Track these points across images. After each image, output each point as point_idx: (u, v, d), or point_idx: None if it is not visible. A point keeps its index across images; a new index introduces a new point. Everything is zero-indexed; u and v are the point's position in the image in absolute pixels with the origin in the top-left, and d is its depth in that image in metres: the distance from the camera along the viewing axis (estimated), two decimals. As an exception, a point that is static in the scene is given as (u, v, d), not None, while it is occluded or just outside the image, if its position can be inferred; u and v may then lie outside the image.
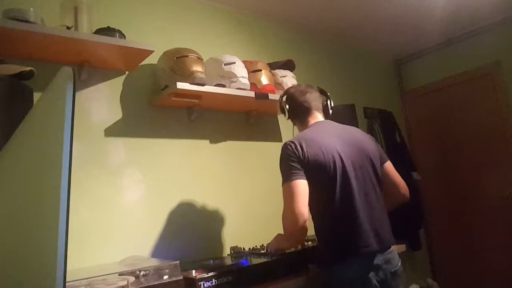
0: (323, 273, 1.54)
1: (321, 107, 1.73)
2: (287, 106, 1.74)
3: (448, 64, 3.39)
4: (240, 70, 2.00)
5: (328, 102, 1.76)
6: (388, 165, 1.71)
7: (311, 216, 1.50)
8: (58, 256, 0.70)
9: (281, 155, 1.54)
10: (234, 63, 2.00)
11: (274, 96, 2.13)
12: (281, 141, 2.50)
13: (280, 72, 2.30)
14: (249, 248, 1.95)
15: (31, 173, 0.88)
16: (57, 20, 1.61)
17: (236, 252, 1.90)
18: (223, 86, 1.97)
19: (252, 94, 2.03)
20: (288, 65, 2.38)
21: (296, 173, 1.46)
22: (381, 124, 3.16)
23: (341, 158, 1.50)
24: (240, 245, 1.98)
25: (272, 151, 2.43)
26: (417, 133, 3.59)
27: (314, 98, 1.72)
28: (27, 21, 1.43)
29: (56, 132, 0.80)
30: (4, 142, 1.04)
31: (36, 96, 1.41)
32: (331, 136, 1.57)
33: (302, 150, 1.48)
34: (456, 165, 3.33)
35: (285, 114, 1.77)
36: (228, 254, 1.96)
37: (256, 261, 1.61)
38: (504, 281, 2.96)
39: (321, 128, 1.65)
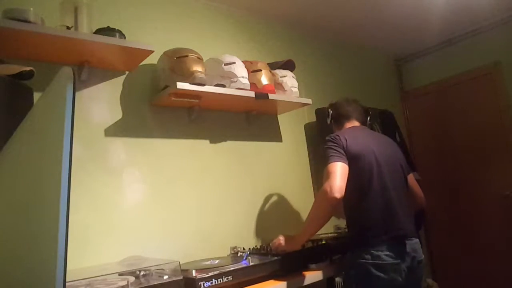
0: (356, 258, 1.62)
1: (361, 118, 1.95)
2: (331, 111, 1.98)
3: (448, 64, 3.38)
4: (240, 70, 2.00)
5: (368, 118, 2.03)
6: (411, 176, 1.91)
7: (343, 208, 1.70)
8: (58, 256, 0.70)
9: (326, 143, 1.73)
10: (234, 63, 2.00)
11: (274, 96, 2.13)
12: (281, 141, 2.51)
13: (280, 72, 2.30)
14: (249, 248, 1.95)
15: (31, 173, 0.88)
16: (57, 20, 1.61)
17: (236, 252, 1.90)
18: (223, 86, 1.97)
19: (252, 94, 2.03)
20: (288, 65, 2.38)
21: (339, 156, 1.65)
22: (381, 124, 3.16)
23: (376, 153, 1.71)
24: (240, 245, 1.98)
25: (272, 151, 2.43)
26: (417, 133, 3.59)
27: (355, 110, 1.95)
28: (27, 21, 1.43)
29: (56, 132, 0.80)
30: (4, 142, 1.04)
31: (36, 96, 1.41)
32: (367, 137, 1.81)
33: (346, 141, 1.69)
34: (456, 165, 3.33)
35: (328, 118, 1.99)
36: (228, 254, 1.96)
37: (256, 261, 1.61)
38: (504, 281, 2.96)
39: (358, 130, 1.88)
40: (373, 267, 1.57)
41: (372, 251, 1.58)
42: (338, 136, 1.72)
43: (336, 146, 1.68)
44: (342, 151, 1.66)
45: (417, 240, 1.70)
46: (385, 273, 1.56)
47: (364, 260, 1.59)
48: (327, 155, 1.67)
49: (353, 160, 1.66)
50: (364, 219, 1.66)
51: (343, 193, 1.56)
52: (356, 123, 1.92)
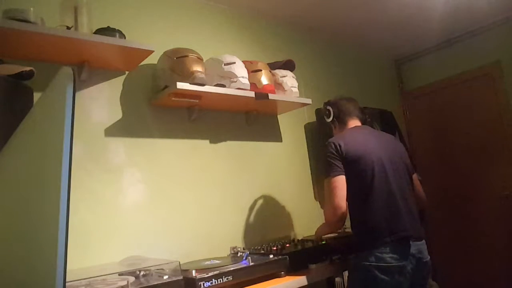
0: (360, 261, 1.61)
1: (361, 116, 1.94)
2: (331, 110, 1.94)
3: (448, 64, 3.39)
4: (240, 70, 2.00)
5: (367, 116, 2.02)
6: (414, 177, 1.89)
7: (349, 208, 1.68)
8: (58, 256, 0.70)
9: (325, 151, 1.73)
10: (234, 63, 2.00)
11: (274, 96, 2.13)
12: (281, 141, 2.51)
13: (280, 72, 2.30)
14: (249, 248, 1.95)
15: (31, 173, 0.88)
16: (57, 20, 1.61)
17: (236, 252, 1.90)
18: (223, 86, 1.97)
19: (252, 94, 2.03)
20: (288, 65, 2.38)
21: (335, 169, 1.66)
22: (381, 124, 3.16)
23: (378, 153, 1.70)
24: (240, 245, 1.98)
25: (272, 151, 2.44)
26: (417, 133, 3.59)
27: (355, 107, 1.95)
28: (27, 21, 1.43)
29: (56, 132, 0.80)
30: (4, 142, 1.04)
31: (36, 96, 1.41)
32: (368, 136, 1.80)
33: (344, 145, 1.69)
34: (456, 165, 3.33)
35: (328, 117, 1.96)
36: (228, 254, 1.96)
37: (256, 261, 1.61)
38: (504, 281, 2.96)
39: (359, 129, 1.87)
40: (377, 270, 1.55)
41: (376, 253, 1.56)
42: (333, 142, 1.72)
43: (332, 155, 1.69)
44: (339, 160, 1.67)
45: (423, 241, 1.68)
46: (390, 276, 1.54)
47: (368, 263, 1.57)
48: (326, 166, 1.71)
49: (352, 163, 1.66)
50: (367, 221, 1.64)
51: (344, 208, 1.62)
52: (358, 121, 1.91)
